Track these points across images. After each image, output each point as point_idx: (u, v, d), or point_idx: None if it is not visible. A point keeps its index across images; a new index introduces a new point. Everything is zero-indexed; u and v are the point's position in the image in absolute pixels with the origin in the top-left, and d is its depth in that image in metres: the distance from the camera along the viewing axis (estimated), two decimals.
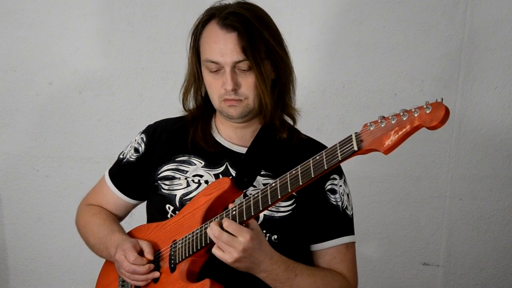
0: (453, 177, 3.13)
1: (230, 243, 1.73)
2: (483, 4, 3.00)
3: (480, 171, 3.12)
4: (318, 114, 3.06)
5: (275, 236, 1.93)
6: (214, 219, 1.82)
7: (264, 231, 1.92)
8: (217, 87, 1.93)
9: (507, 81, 3.06)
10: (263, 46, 1.89)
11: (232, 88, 1.89)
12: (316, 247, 1.99)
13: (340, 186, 2.01)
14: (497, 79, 3.06)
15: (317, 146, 2.05)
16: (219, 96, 1.94)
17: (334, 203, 1.99)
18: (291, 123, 2.06)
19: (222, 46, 1.88)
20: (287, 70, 1.97)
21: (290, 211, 1.94)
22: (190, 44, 1.99)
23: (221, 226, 1.76)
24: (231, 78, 1.89)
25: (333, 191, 1.99)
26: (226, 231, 1.75)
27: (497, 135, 3.10)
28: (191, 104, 2.07)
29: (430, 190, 3.14)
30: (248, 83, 1.90)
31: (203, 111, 2.08)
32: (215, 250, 1.77)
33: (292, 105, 2.03)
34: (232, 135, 2.04)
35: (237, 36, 1.87)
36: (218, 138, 2.05)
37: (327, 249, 1.98)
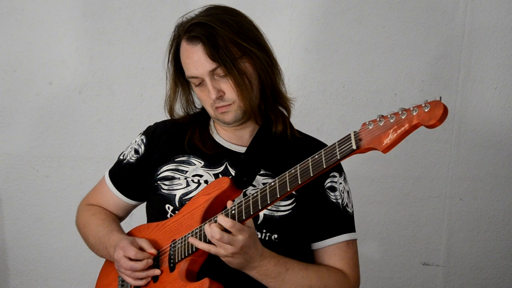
0: (453, 177, 3.13)
1: (230, 242, 1.74)
2: (483, 4, 3.00)
3: (480, 171, 3.12)
4: (318, 114, 3.06)
5: (275, 235, 1.93)
6: (214, 219, 1.82)
7: (264, 231, 1.93)
8: (206, 98, 1.96)
9: (507, 81, 3.06)
10: (234, 46, 1.90)
11: (215, 96, 1.92)
12: (317, 245, 2.00)
13: (340, 183, 2.01)
14: (497, 79, 3.06)
15: (315, 143, 2.06)
16: (210, 106, 1.97)
17: (334, 200, 1.99)
18: (286, 114, 2.06)
19: (194, 60, 1.91)
20: (265, 64, 1.96)
21: (290, 210, 1.94)
22: (168, 61, 2.03)
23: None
24: (213, 87, 1.91)
25: (333, 189, 2.00)
26: (226, 230, 1.75)
27: (497, 135, 3.10)
28: (181, 112, 2.10)
29: (430, 190, 3.14)
30: (229, 87, 1.92)
31: (201, 113, 2.09)
32: (208, 247, 1.78)
33: (283, 95, 2.04)
34: (231, 135, 2.05)
35: (202, 46, 1.89)
36: (217, 138, 2.06)
37: (327, 247, 1.99)
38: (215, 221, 1.79)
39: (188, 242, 1.87)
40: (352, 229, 2.03)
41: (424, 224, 3.16)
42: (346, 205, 2.02)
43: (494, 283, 3.20)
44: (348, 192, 2.05)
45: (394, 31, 3.03)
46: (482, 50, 3.03)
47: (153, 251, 1.94)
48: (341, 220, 2.00)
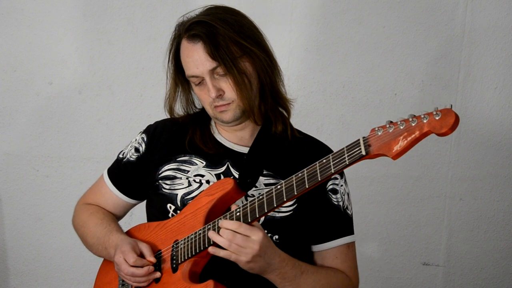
0: (453, 177, 3.13)
1: (245, 244, 1.74)
2: (483, 4, 3.01)
3: (480, 171, 3.12)
4: (318, 114, 3.06)
5: (276, 236, 1.93)
6: (218, 220, 1.82)
7: (266, 231, 1.92)
8: (205, 97, 1.96)
9: (507, 81, 3.06)
10: (234, 46, 1.90)
11: (215, 95, 1.91)
12: (318, 247, 2.00)
13: (341, 186, 2.02)
14: (497, 79, 3.06)
15: (315, 144, 2.06)
16: (209, 105, 1.96)
17: (336, 203, 1.99)
18: (286, 115, 2.06)
19: (194, 58, 1.91)
20: (265, 63, 1.95)
21: (291, 212, 1.94)
22: (168, 61, 2.02)
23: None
24: (212, 86, 1.91)
25: (335, 191, 2.00)
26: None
27: (497, 135, 3.10)
28: (181, 112, 2.10)
29: (430, 190, 3.14)
30: (229, 86, 1.91)
31: (202, 113, 2.09)
32: (229, 254, 1.77)
33: (283, 96, 2.04)
34: (232, 136, 2.05)
35: (202, 44, 1.89)
36: (219, 138, 2.06)
37: (329, 249, 1.99)
38: (218, 224, 1.80)
39: (192, 243, 1.86)
40: (351, 232, 2.03)
41: (424, 224, 3.16)
42: (347, 207, 2.02)
43: (494, 283, 3.21)
44: (348, 194, 2.05)
45: (394, 31, 3.03)
46: (482, 50, 3.04)
47: (152, 259, 1.93)
48: (341, 223, 2.01)
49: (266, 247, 1.76)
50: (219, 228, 1.79)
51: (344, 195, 2.02)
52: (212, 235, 1.79)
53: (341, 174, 2.03)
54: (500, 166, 3.12)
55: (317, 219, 1.98)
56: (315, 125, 3.05)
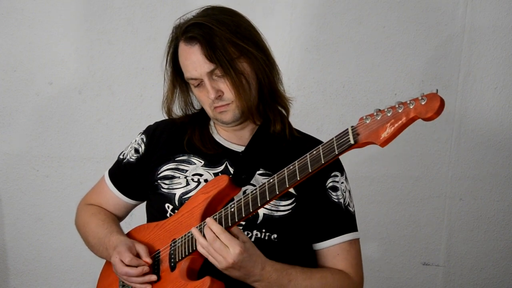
0: (453, 177, 3.13)
1: (221, 253, 1.75)
2: (483, 4, 3.00)
3: (480, 171, 3.12)
4: (318, 114, 3.06)
5: (275, 235, 1.93)
6: (213, 217, 1.82)
7: (264, 230, 1.92)
8: (205, 99, 1.96)
9: (507, 81, 3.06)
10: (231, 47, 1.90)
11: (214, 96, 1.92)
12: (319, 245, 1.99)
13: (342, 183, 2.02)
14: (497, 79, 3.06)
15: (314, 142, 2.05)
16: (209, 106, 1.97)
17: (336, 200, 1.99)
18: (285, 113, 2.07)
19: (192, 61, 1.92)
20: (263, 63, 1.96)
21: (290, 210, 1.94)
22: (166, 63, 2.03)
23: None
24: (211, 87, 1.92)
25: (335, 188, 2.00)
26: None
27: (497, 135, 3.10)
28: (180, 113, 2.11)
29: (430, 190, 3.14)
30: (227, 87, 1.92)
31: (201, 113, 2.09)
32: (207, 254, 1.79)
33: (282, 94, 2.04)
34: (231, 135, 2.05)
35: (199, 46, 1.90)
36: (218, 138, 2.06)
37: (330, 247, 1.98)
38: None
39: (188, 241, 1.87)
40: (355, 229, 2.02)
41: (424, 224, 3.16)
42: (348, 204, 2.02)
43: (494, 283, 3.20)
44: (349, 191, 2.05)
45: (394, 31, 3.03)
46: (482, 50, 3.03)
47: (148, 260, 1.93)
48: (343, 219, 2.00)
49: (241, 262, 1.76)
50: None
51: (345, 192, 2.02)
52: (195, 232, 1.81)
53: (342, 171, 2.04)
54: (500, 166, 3.12)
55: (317, 217, 1.98)
56: (315, 125, 3.05)
